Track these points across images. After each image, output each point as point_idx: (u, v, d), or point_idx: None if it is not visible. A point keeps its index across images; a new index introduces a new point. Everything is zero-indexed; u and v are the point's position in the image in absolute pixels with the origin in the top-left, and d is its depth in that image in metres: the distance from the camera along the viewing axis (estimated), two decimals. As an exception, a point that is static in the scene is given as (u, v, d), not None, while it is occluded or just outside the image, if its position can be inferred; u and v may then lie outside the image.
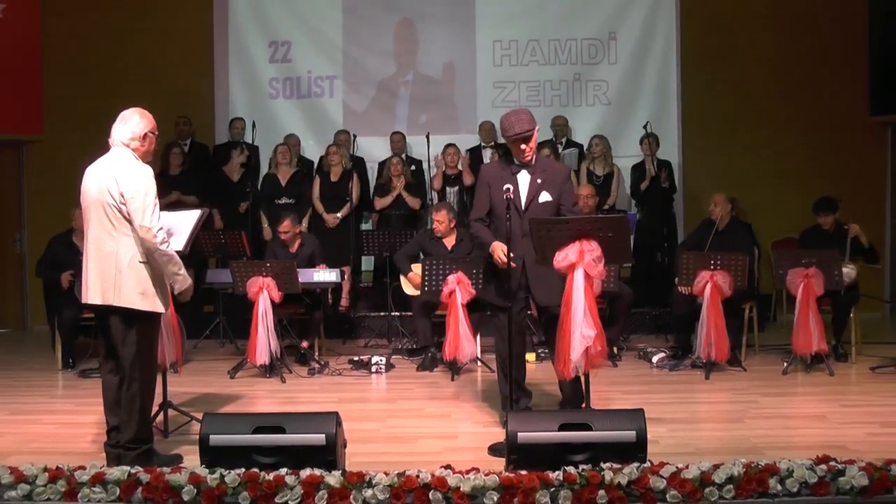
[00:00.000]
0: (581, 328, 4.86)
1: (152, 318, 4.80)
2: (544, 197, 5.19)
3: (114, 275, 4.65)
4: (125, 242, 4.68)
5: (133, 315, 4.69)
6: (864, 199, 9.34)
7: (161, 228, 4.66)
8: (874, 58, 10.23)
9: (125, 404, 4.78)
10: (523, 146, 5.17)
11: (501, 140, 9.91)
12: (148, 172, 4.72)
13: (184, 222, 5.04)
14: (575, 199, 5.32)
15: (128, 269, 4.66)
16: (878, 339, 8.10)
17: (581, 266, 4.91)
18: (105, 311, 4.74)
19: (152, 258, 4.68)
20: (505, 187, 5.06)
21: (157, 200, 4.69)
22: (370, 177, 10.10)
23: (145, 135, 4.80)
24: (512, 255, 5.04)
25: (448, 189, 9.51)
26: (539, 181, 5.21)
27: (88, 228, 4.77)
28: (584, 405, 5.17)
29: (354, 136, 10.11)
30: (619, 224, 5.08)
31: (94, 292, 4.71)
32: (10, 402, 6.52)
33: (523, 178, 5.24)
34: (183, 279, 4.78)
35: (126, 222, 4.66)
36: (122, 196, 4.62)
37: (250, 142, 10.02)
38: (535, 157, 5.30)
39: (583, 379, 5.06)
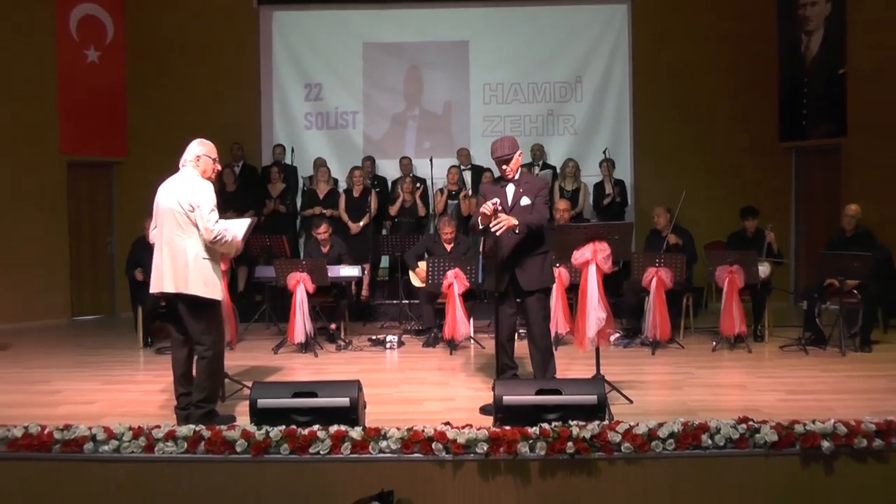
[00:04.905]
0: (595, 312, 4.95)
1: (214, 302, 4.81)
2: (525, 201, 5.18)
3: (183, 268, 4.69)
4: (191, 243, 4.72)
5: (199, 301, 4.71)
6: (775, 210, 9.34)
7: (217, 222, 4.73)
8: (782, 95, 10.25)
9: (200, 370, 4.76)
10: (504, 166, 5.19)
11: (476, 162, 10.03)
12: (209, 187, 4.80)
13: (238, 229, 5.07)
14: (545, 200, 5.23)
15: (193, 264, 4.70)
16: (785, 324, 8.09)
17: (594, 263, 4.97)
18: (177, 298, 4.75)
19: (216, 247, 4.79)
20: (493, 200, 5.08)
21: (215, 207, 4.76)
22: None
23: (198, 157, 4.87)
24: (499, 229, 4.94)
25: (450, 202, 9.53)
26: (521, 191, 5.21)
27: (162, 231, 4.80)
28: (554, 376, 5.22)
29: (374, 161, 10.18)
30: (624, 229, 5.24)
31: (168, 282, 4.72)
32: (103, 374, 6.55)
33: (510, 188, 5.23)
34: (231, 245, 4.86)
35: (192, 226, 4.72)
36: (191, 206, 4.69)
37: (290, 163, 10.06)
38: (519, 173, 5.25)
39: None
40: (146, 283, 7.55)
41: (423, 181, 9.85)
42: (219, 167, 5.03)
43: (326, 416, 4.27)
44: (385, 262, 9.71)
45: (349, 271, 7.68)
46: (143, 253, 7.98)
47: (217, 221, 4.72)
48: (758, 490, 4.05)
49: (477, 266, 7.38)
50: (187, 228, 4.71)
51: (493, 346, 5.54)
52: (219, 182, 8.91)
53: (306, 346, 7.22)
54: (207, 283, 4.72)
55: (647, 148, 10.43)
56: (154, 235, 4.90)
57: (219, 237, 4.72)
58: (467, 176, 9.86)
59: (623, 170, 10.22)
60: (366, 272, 8.67)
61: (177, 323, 4.87)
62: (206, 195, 4.73)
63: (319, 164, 9.88)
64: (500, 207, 5.01)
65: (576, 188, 9.53)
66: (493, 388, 4.52)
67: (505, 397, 4.39)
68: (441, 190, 9.59)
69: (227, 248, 4.91)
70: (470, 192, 9.52)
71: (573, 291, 6.21)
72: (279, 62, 10.69)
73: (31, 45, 9.43)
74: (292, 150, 10.13)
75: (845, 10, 9.51)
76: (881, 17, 9.14)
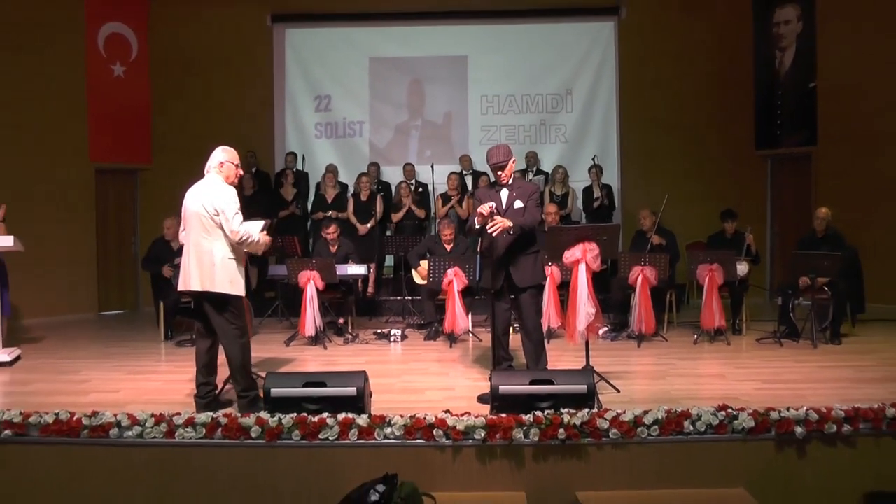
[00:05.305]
0: (585, 307, 4.94)
1: (239, 298, 4.80)
2: (518, 204, 5.17)
3: (209, 268, 4.68)
4: (217, 245, 4.71)
5: (225, 298, 4.70)
6: (751, 213, 9.31)
7: (241, 224, 4.71)
8: (758, 107, 10.23)
9: (231, 364, 4.74)
10: (499, 172, 5.18)
11: (477, 168, 10.01)
12: (232, 192, 4.80)
13: (253, 229, 5.04)
14: (536, 203, 5.22)
15: (220, 264, 4.69)
16: (761, 318, 8.07)
17: (584, 261, 4.96)
18: (203, 296, 4.74)
19: (241, 247, 4.76)
20: (489, 204, 5.07)
21: (238, 210, 4.74)
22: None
23: (221, 163, 4.86)
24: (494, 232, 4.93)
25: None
26: (514, 195, 5.21)
27: (189, 233, 4.79)
28: (547, 367, 5.20)
29: (379, 167, 10.17)
30: (612, 230, 5.22)
31: (194, 281, 4.71)
32: (127, 364, 6.52)
33: (504, 193, 5.23)
34: (259, 244, 4.82)
35: (217, 229, 4.72)
36: (215, 210, 4.68)
37: (301, 169, 10.04)
38: (512, 178, 5.26)
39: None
40: (167, 280, 7.63)
41: (424, 185, 9.84)
42: (241, 172, 5.02)
43: (335, 404, 4.28)
44: (389, 261, 9.70)
45: (356, 269, 7.67)
46: (160, 251, 7.97)
47: (241, 224, 4.72)
48: (736, 472, 4.06)
49: (475, 265, 7.35)
50: (212, 231, 4.71)
51: (489, 340, 5.53)
52: (238, 187, 8.93)
53: (316, 340, 7.20)
54: (233, 282, 4.72)
55: (632, 155, 10.41)
56: (183, 238, 4.89)
57: (244, 237, 4.72)
58: (469, 180, 9.84)
59: (610, 175, 10.21)
60: (371, 270, 8.65)
61: (201, 318, 4.85)
62: (230, 200, 4.72)
63: (328, 170, 9.87)
64: (495, 210, 5.00)
65: (564, 193, 9.52)
66: (490, 379, 4.51)
67: (501, 387, 4.39)
68: (442, 195, 9.57)
69: (255, 248, 4.86)
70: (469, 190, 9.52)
71: (564, 288, 6.20)
72: (291, 75, 10.68)
73: (63, 62, 9.43)
74: (303, 158, 10.15)
75: (815, 28, 9.53)
76: (849, 35, 9.16)
